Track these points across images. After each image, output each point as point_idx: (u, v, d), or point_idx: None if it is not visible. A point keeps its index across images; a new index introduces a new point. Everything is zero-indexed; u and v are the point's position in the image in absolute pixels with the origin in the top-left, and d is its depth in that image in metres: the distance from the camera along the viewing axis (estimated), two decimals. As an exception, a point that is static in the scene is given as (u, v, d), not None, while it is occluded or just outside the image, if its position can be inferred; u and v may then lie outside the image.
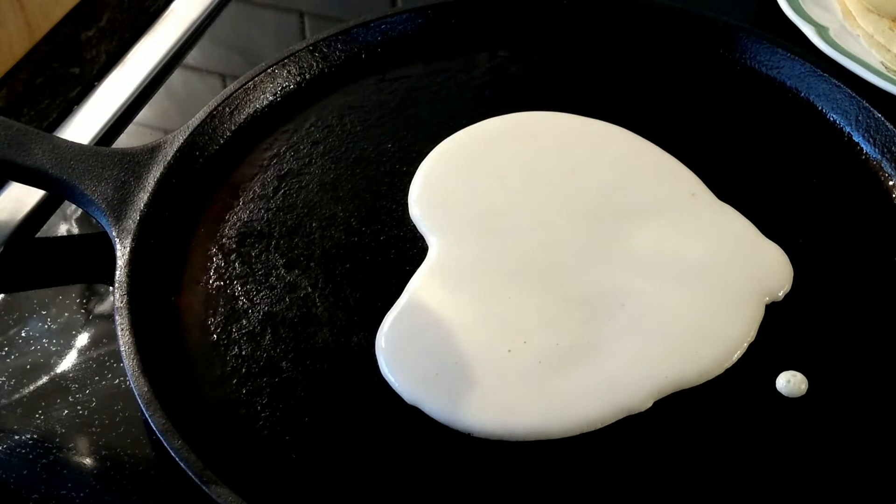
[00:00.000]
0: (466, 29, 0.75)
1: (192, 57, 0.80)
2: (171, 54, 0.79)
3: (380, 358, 0.55)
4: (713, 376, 0.53)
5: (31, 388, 0.56)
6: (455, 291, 0.57)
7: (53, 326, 0.60)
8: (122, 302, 0.55)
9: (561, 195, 0.62)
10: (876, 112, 0.64)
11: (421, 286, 0.57)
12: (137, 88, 0.76)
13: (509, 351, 0.54)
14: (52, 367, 0.57)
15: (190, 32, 0.81)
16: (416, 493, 0.50)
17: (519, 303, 0.56)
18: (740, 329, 0.55)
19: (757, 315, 0.56)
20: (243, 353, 0.56)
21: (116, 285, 0.56)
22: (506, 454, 0.51)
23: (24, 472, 0.52)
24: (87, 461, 0.53)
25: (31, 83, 0.77)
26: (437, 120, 0.69)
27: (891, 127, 0.63)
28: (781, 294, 0.57)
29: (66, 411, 0.55)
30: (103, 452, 0.54)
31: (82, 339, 0.59)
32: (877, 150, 0.64)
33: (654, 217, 0.60)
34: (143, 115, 0.74)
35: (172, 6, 0.84)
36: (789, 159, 0.65)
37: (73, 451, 0.54)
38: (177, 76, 0.78)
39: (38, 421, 0.55)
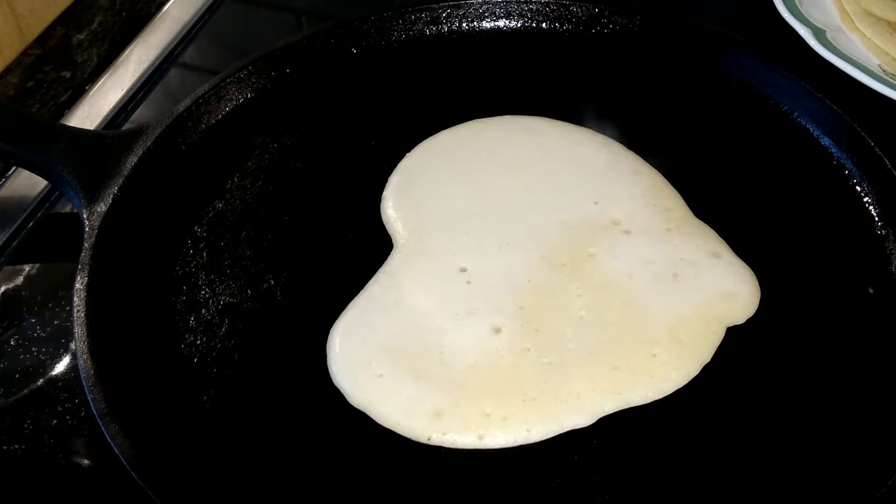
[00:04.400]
0: (468, 30, 0.74)
1: (188, 55, 0.80)
2: (163, 57, 0.79)
3: (329, 357, 0.54)
4: (661, 397, 0.52)
5: (20, 395, 0.56)
6: (411, 296, 0.56)
7: (43, 334, 0.59)
8: (81, 284, 0.55)
9: (534, 203, 0.61)
10: (865, 136, 0.62)
11: (378, 288, 0.57)
12: (129, 92, 0.76)
13: (459, 358, 0.53)
14: (41, 375, 0.57)
15: (183, 34, 0.81)
16: (348, 493, 0.50)
17: (474, 309, 0.55)
18: (697, 351, 0.54)
19: (716, 338, 0.54)
20: (198, 342, 0.56)
21: (79, 267, 0.56)
22: (456, 462, 0.51)
23: (15, 480, 0.53)
24: (79, 469, 0.53)
25: (21, 87, 0.77)
26: (427, 120, 0.68)
27: (878, 152, 0.61)
28: (744, 319, 0.55)
29: (54, 421, 0.55)
30: (94, 461, 0.53)
31: (73, 347, 0.58)
32: (864, 175, 0.62)
33: (623, 230, 0.59)
34: (140, 113, 0.74)
35: (165, 8, 0.83)
36: (774, 181, 0.64)
37: (64, 461, 0.53)
38: (173, 75, 0.78)
39: (27, 431, 0.54)
